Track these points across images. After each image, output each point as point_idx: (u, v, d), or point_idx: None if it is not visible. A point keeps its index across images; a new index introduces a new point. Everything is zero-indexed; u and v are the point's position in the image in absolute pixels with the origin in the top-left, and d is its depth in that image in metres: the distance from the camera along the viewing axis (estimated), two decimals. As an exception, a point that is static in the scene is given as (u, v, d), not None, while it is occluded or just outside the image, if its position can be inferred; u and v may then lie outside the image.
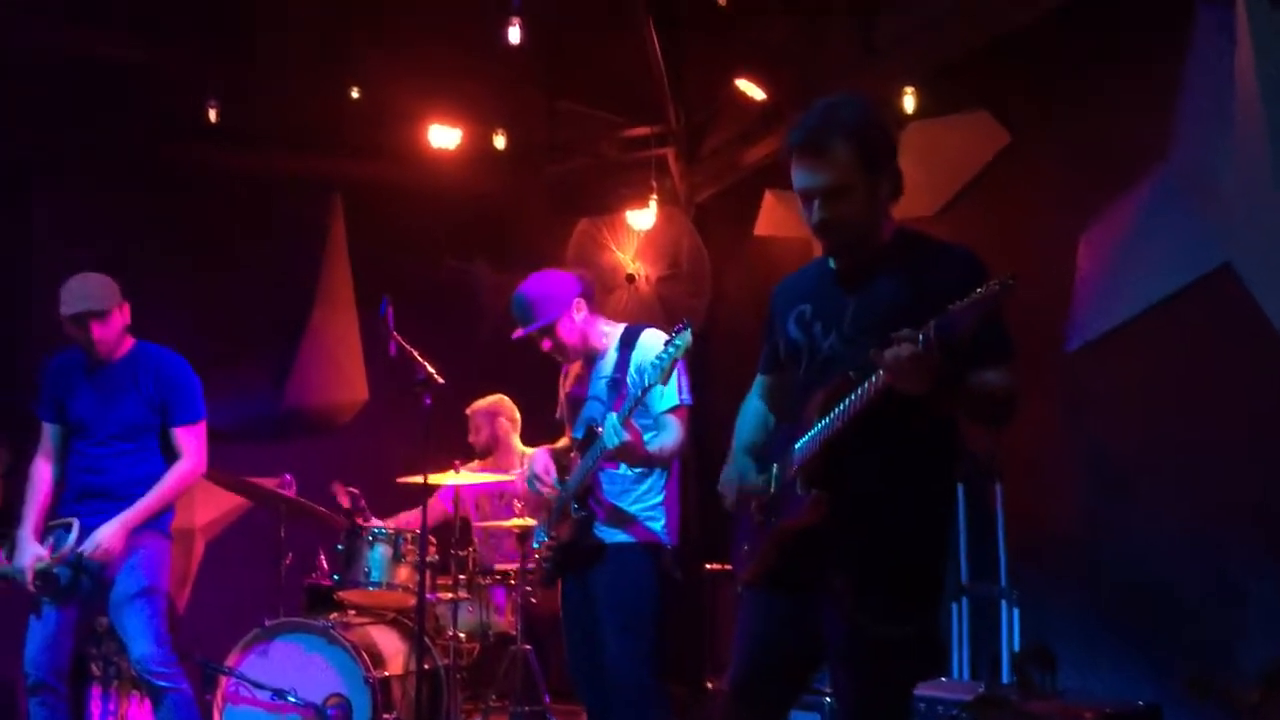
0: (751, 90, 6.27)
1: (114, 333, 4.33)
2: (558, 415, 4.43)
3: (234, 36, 5.99)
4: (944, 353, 2.32)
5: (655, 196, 6.66)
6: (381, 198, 6.84)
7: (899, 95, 5.33)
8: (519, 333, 4.09)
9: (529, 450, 5.83)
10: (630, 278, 6.97)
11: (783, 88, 6.27)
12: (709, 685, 4.79)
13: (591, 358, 4.17)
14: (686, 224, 6.98)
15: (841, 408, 2.51)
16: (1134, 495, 4.53)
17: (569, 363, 4.25)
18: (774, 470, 2.72)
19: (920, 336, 2.31)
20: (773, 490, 2.71)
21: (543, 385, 6.15)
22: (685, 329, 3.56)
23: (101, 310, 4.25)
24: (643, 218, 6.94)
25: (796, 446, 2.63)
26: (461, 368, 4.82)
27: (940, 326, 2.29)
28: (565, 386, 4.35)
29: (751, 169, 6.75)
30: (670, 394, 3.94)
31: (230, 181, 6.44)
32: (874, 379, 2.43)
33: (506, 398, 5.97)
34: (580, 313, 4.11)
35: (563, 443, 4.42)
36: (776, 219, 6.66)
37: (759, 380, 3.04)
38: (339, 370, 6.81)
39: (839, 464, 2.57)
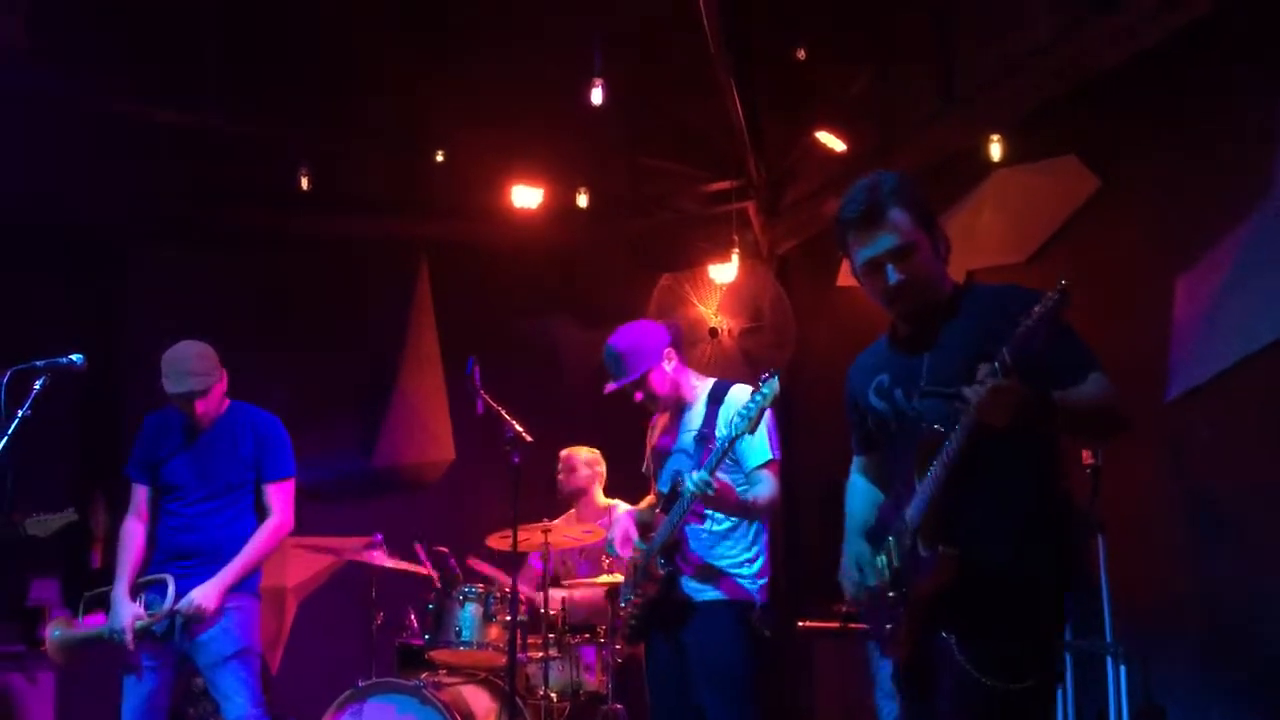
0: (831, 142, 6.27)
1: (215, 404, 4.42)
2: (644, 468, 4.41)
3: (322, 103, 6.13)
4: (1023, 377, 2.36)
5: (737, 250, 6.65)
6: (466, 258, 6.94)
7: (984, 142, 5.28)
8: (611, 386, 4.09)
9: (609, 501, 5.82)
10: (713, 332, 6.95)
11: (862, 138, 6.27)
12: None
13: (680, 409, 4.15)
14: (768, 276, 6.97)
15: (939, 460, 2.50)
16: (1240, 546, 4.37)
17: (660, 413, 4.22)
18: (890, 543, 2.69)
19: (995, 364, 2.35)
20: (895, 564, 2.67)
21: (625, 442, 6.17)
22: (773, 377, 3.53)
23: (208, 389, 4.34)
24: (724, 271, 6.94)
25: (908, 513, 2.60)
26: (546, 424, 4.83)
27: (1013, 350, 2.34)
28: (652, 439, 4.33)
29: (833, 220, 6.71)
30: (762, 449, 3.91)
31: (319, 246, 6.58)
32: (963, 422, 2.43)
33: (599, 452, 5.96)
34: (671, 362, 4.10)
35: (646, 502, 4.40)
36: (860, 270, 6.60)
37: (857, 460, 3.05)
38: (426, 429, 6.87)
39: (952, 519, 2.54)
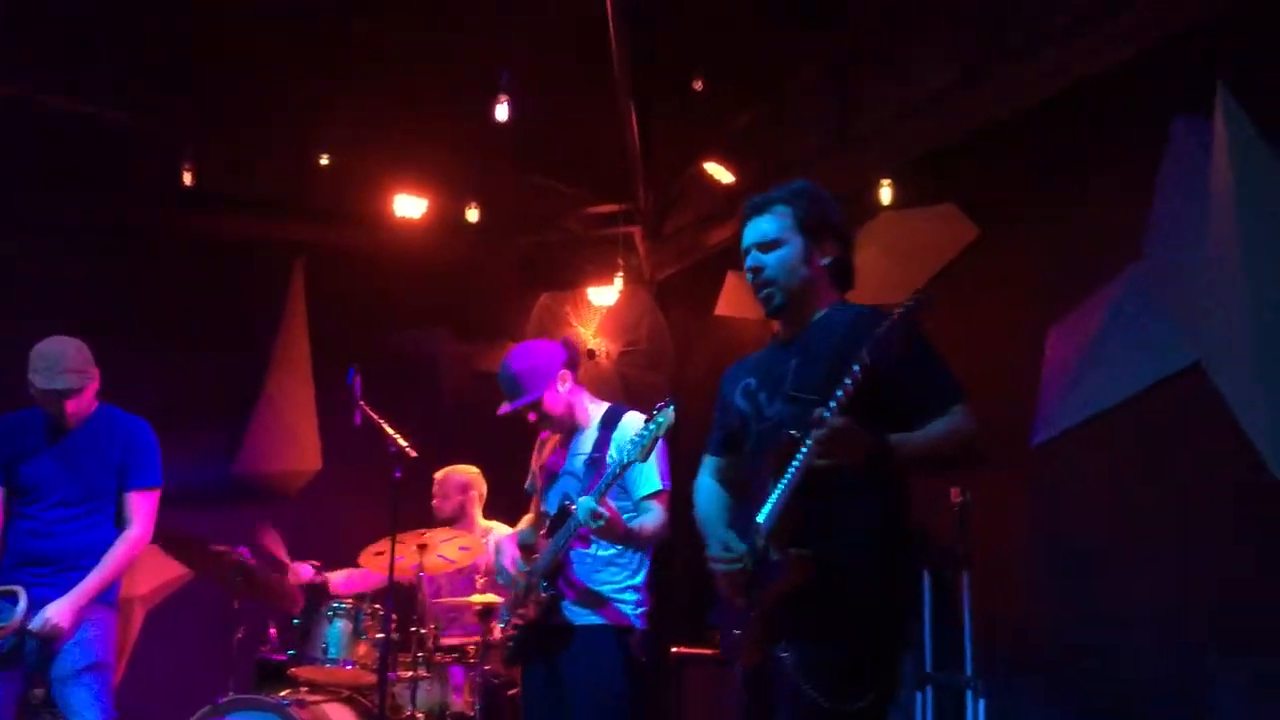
0: (720, 174, 6.35)
1: (85, 404, 4.23)
2: (527, 486, 4.38)
3: (205, 101, 5.93)
4: (872, 410, 2.49)
5: (621, 274, 6.68)
6: (344, 265, 6.79)
7: (875, 186, 5.43)
8: (506, 408, 4.04)
9: (488, 524, 5.75)
10: (591, 353, 6.96)
11: (750, 173, 6.37)
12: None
13: (572, 431, 4.13)
14: (649, 301, 7.02)
15: (792, 469, 2.55)
16: (1098, 585, 4.57)
17: (553, 433, 4.20)
18: (744, 547, 2.71)
19: (831, 404, 2.46)
20: (748, 569, 2.68)
21: (505, 459, 6.11)
22: (667, 407, 3.53)
23: (81, 387, 4.16)
24: (604, 294, 6.96)
25: (760, 517, 2.64)
26: (420, 439, 4.74)
27: (871, 349, 2.45)
28: (540, 458, 4.29)
29: (714, 250, 6.82)
30: (651, 478, 3.92)
31: (194, 245, 6.36)
32: (802, 460, 2.52)
33: (478, 471, 5.88)
34: (565, 384, 4.07)
35: (527, 519, 4.36)
36: (737, 300, 6.72)
37: (709, 461, 3.11)
38: (293, 438, 6.68)
39: (800, 527, 2.59)
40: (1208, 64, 3.99)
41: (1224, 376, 3.99)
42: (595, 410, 4.15)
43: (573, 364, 4.15)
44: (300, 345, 6.78)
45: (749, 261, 2.85)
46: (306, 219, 6.69)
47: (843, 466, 2.49)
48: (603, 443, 4.02)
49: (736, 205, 6.43)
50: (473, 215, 6.59)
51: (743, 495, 2.85)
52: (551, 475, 4.16)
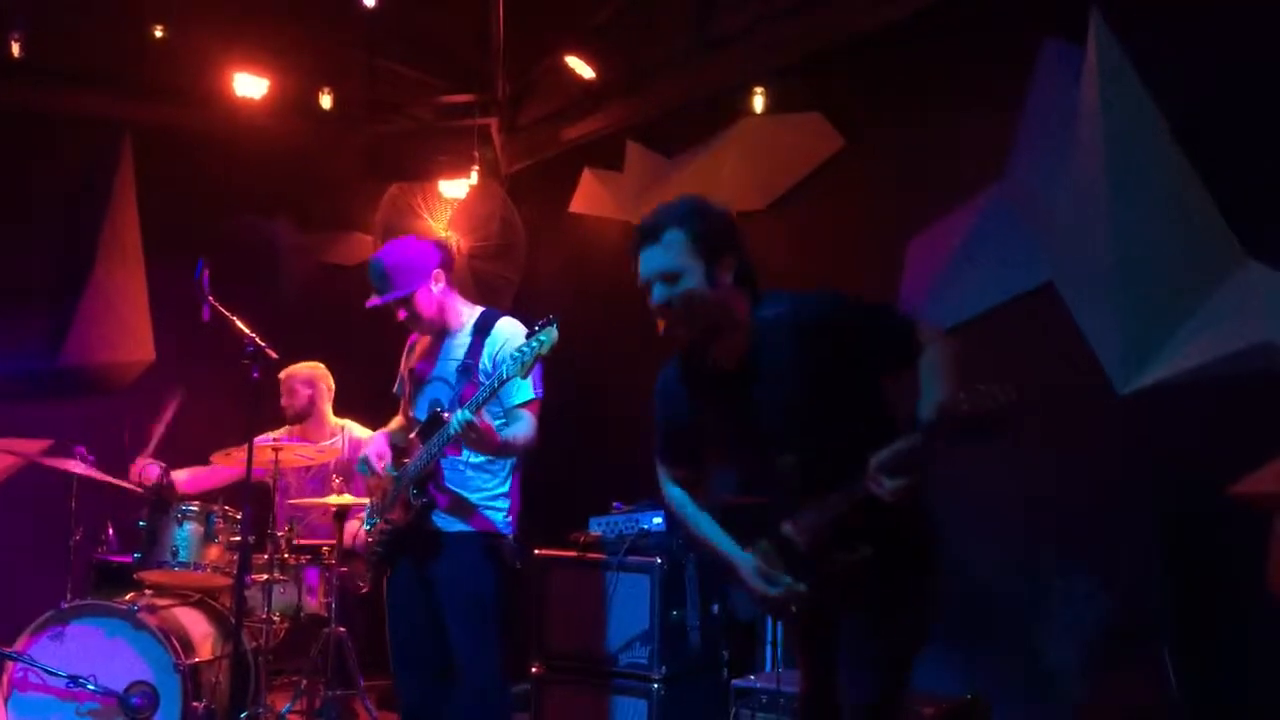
0: (581, 68, 6.22)
1: None
2: (395, 388, 4.29)
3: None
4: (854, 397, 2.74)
5: (478, 167, 6.50)
6: (180, 146, 6.37)
7: (742, 92, 5.40)
8: (374, 301, 3.93)
9: (340, 422, 5.63)
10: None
11: (611, 68, 6.26)
12: (534, 670, 4.77)
13: (442, 334, 4.05)
14: (502, 196, 6.87)
15: (832, 505, 2.71)
16: (947, 500, 4.77)
17: (422, 335, 4.10)
18: (764, 547, 2.86)
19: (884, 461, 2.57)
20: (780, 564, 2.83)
21: (349, 355, 5.96)
22: (551, 325, 3.50)
23: None
24: (455, 187, 6.77)
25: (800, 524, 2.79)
26: (263, 332, 4.55)
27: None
28: (409, 361, 4.20)
29: (570, 145, 6.71)
30: (524, 388, 3.88)
31: (18, 119, 5.86)
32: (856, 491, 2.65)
33: (323, 366, 5.72)
34: (439, 284, 4.00)
35: (397, 421, 4.28)
36: (592, 197, 6.65)
37: (670, 473, 3.13)
38: (123, 327, 6.31)
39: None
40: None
41: (1076, 297, 4.17)
42: (469, 314, 4.08)
43: (447, 265, 4.07)
44: (130, 230, 6.36)
45: (655, 297, 2.79)
46: (139, 95, 6.23)
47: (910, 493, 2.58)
48: (475, 349, 3.96)
49: (597, 101, 6.43)
50: (326, 102, 6.28)
51: (735, 497, 3.00)
52: (421, 380, 4.09)
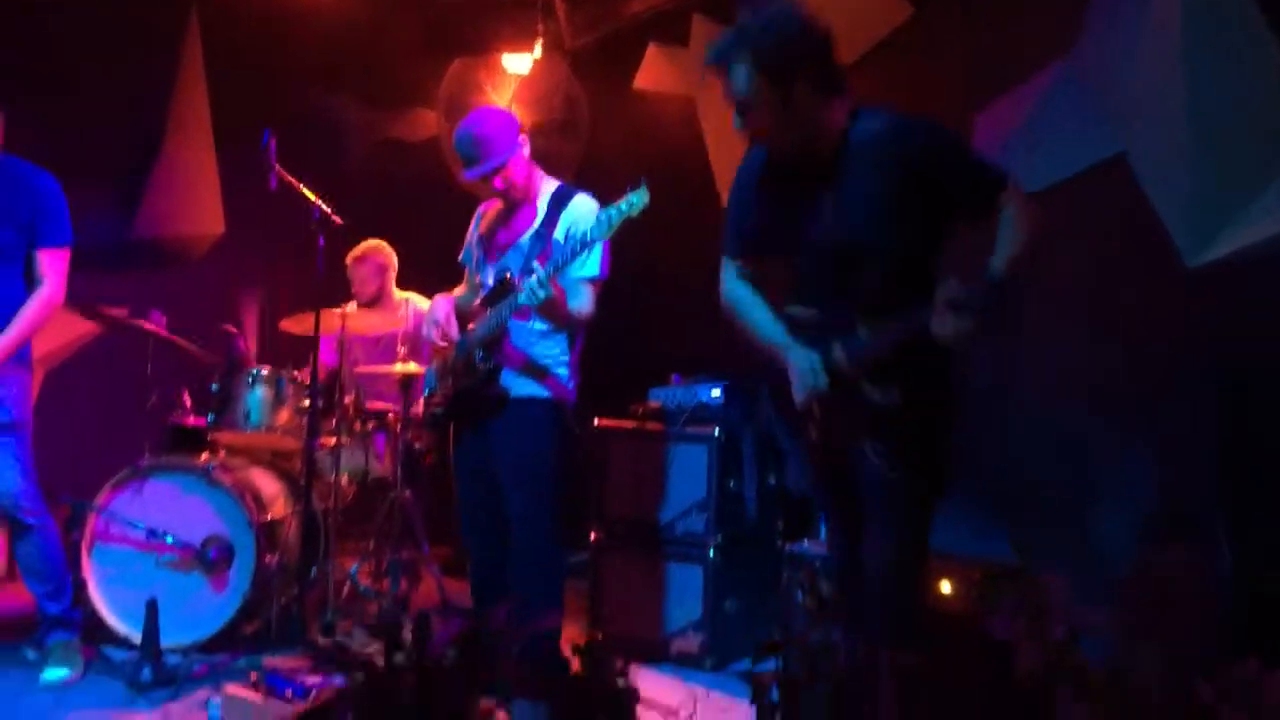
0: (647, -63, 6.10)
1: None
2: (461, 256, 4.32)
3: None
4: (915, 222, 2.71)
5: (541, 40, 6.44)
6: (243, 18, 6.38)
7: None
8: (471, 173, 3.92)
9: (404, 294, 5.71)
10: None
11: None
12: (592, 537, 4.88)
13: (517, 204, 4.06)
14: (565, 71, 6.82)
15: (890, 333, 2.75)
16: (1003, 368, 4.75)
17: (506, 203, 4.09)
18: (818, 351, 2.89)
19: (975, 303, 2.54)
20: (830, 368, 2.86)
21: (414, 228, 6.01)
22: (641, 188, 3.49)
23: None
24: (519, 62, 6.73)
25: (853, 349, 2.83)
26: (329, 205, 4.62)
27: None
28: (479, 228, 4.22)
29: (635, 19, 6.60)
30: (593, 264, 3.89)
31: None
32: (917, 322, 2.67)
33: (385, 244, 5.79)
34: (527, 149, 3.99)
35: (461, 289, 4.32)
36: (658, 73, 6.57)
37: (733, 265, 3.14)
38: (194, 199, 6.42)
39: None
40: None
41: (1148, 168, 4.08)
42: (547, 186, 4.08)
43: (528, 134, 4.05)
44: (199, 103, 6.43)
45: (735, 124, 2.86)
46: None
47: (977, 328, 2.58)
48: (551, 219, 3.97)
49: (663, -27, 6.30)
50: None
51: (797, 302, 2.98)
52: (491, 247, 4.11)
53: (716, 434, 4.66)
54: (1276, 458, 3.85)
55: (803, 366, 2.88)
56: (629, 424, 4.87)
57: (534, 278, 3.61)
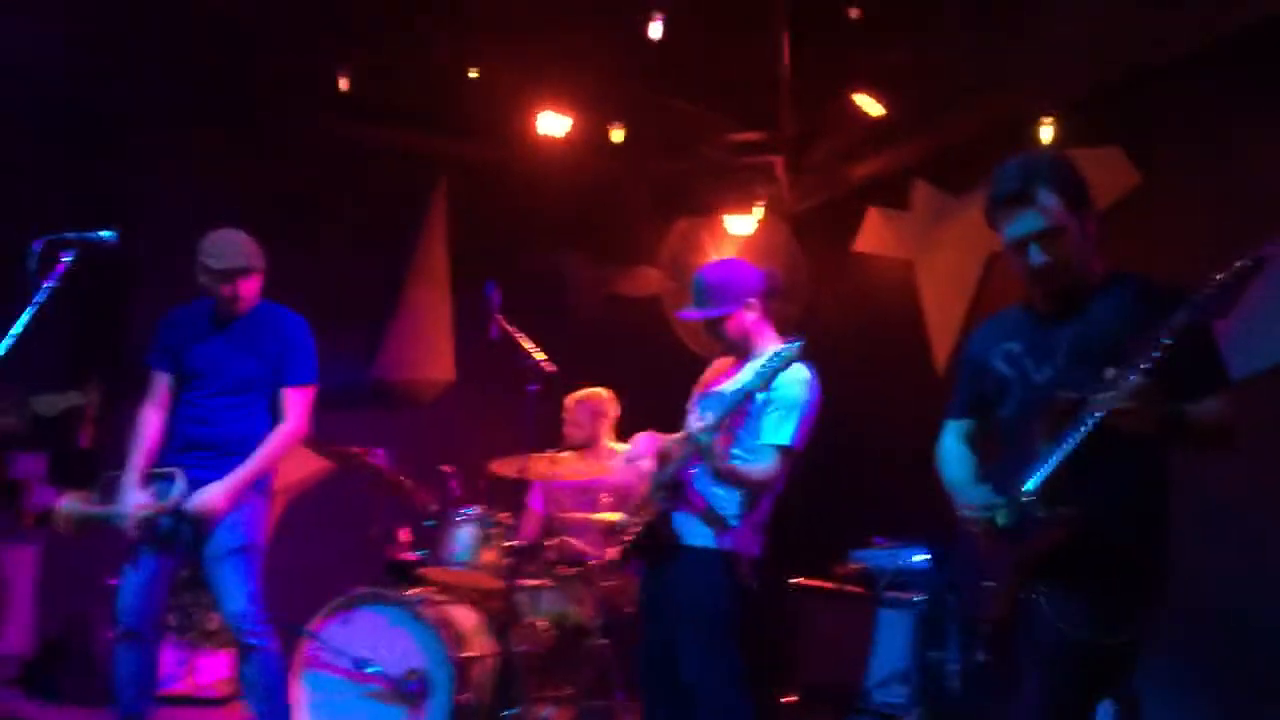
0: (869, 105, 6.22)
1: (251, 293, 4.39)
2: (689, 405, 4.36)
3: (369, 6, 5.99)
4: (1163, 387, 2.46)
5: (763, 203, 6.62)
6: (485, 180, 6.85)
7: (1034, 125, 5.26)
8: (691, 314, 3.99)
9: (620, 447, 5.80)
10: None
11: (901, 107, 6.22)
12: (781, 700, 4.74)
13: (743, 359, 4.07)
14: (787, 233, 6.95)
15: (1078, 431, 2.58)
16: (1229, 539, 4.44)
17: (723, 356, 4.13)
18: (1003, 503, 2.74)
19: (1127, 371, 2.43)
20: (1005, 523, 2.72)
21: (633, 382, 6.16)
22: (797, 341, 3.51)
23: (253, 268, 4.35)
24: (741, 223, 6.92)
25: (1032, 481, 2.65)
26: (552, 357, 4.81)
27: (1192, 310, 2.44)
28: (706, 378, 4.27)
29: (857, 184, 6.71)
30: (784, 431, 3.82)
31: (345, 150, 6.47)
32: (1097, 415, 2.51)
33: (608, 392, 5.93)
34: (753, 313, 4.00)
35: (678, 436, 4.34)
36: (877, 236, 6.62)
37: (953, 425, 3.12)
38: (429, 346, 6.83)
39: (1068, 486, 2.63)
40: None
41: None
42: (774, 348, 4.09)
43: (768, 295, 4.04)
44: (440, 258, 6.91)
45: (1033, 259, 2.75)
46: (452, 132, 6.74)
47: (1136, 428, 2.48)
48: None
49: (885, 140, 6.40)
50: (618, 136, 6.56)
51: (1001, 457, 2.89)
52: (703, 396, 4.15)
53: (920, 600, 4.50)
54: None
55: (975, 502, 2.78)
56: (827, 584, 4.77)
57: (705, 428, 3.63)
